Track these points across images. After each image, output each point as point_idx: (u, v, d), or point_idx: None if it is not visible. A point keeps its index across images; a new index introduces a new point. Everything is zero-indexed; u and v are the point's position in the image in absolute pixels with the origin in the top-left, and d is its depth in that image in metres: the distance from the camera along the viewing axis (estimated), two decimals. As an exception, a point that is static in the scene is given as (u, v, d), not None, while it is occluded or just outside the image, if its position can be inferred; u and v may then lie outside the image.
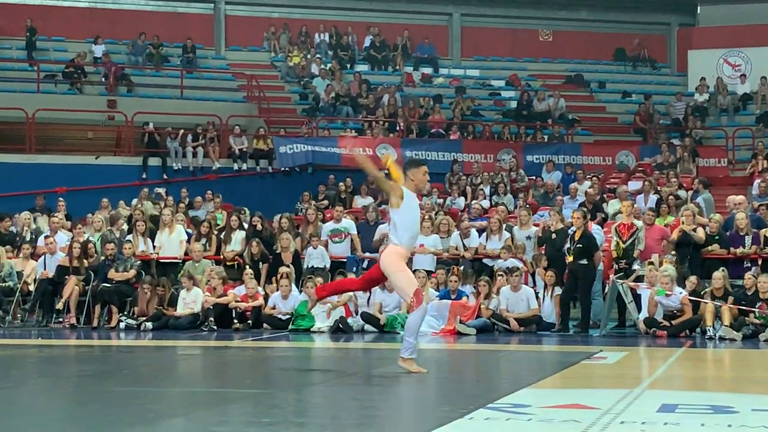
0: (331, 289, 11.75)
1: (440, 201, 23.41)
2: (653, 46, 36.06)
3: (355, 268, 19.04)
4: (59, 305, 18.47)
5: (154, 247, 19.49)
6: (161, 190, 23.90)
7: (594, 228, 18.41)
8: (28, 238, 20.04)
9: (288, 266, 18.46)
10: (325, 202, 23.60)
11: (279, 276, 17.99)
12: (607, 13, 35.63)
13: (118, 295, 18.38)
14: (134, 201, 22.64)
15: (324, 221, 20.31)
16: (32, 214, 21.17)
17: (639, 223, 17.81)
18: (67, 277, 18.45)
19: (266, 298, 17.99)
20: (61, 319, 18.48)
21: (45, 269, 18.80)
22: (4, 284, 18.45)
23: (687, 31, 35.65)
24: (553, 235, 17.89)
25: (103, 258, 18.88)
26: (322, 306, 17.35)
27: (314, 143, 27.14)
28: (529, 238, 18.84)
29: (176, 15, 33.34)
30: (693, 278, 16.68)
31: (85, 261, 18.66)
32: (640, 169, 26.28)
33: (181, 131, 26.91)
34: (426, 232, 19.14)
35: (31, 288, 18.79)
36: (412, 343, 10.27)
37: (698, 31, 35.40)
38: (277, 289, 17.93)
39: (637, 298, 17.01)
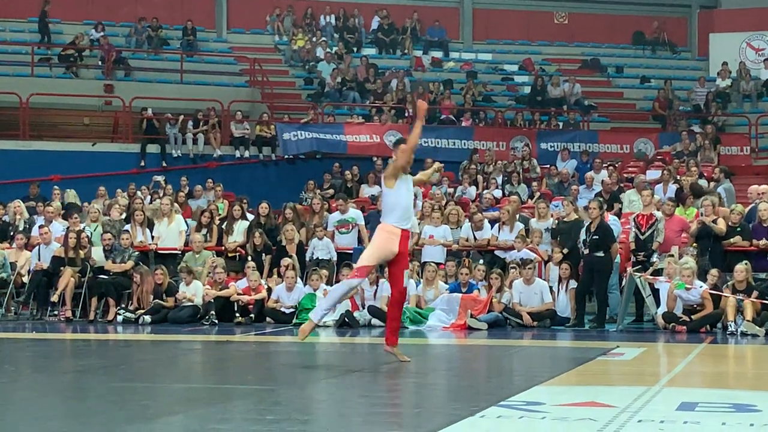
0: (394, 329, 11.26)
1: (451, 190, 23.39)
2: (673, 30, 35.96)
3: (361, 260, 19.02)
4: (54, 298, 18.47)
5: (152, 237, 19.51)
6: (160, 179, 23.90)
7: (611, 219, 18.38)
8: (21, 228, 20.06)
9: (292, 258, 18.46)
10: (331, 191, 23.59)
11: (283, 268, 18.00)
12: (626, -6, 35.58)
13: (116, 288, 18.40)
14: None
15: (330, 211, 20.30)
16: (27, 203, 21.23)
17: (658, 214, 17.77)
18: (62, 268, 18.46)
19: (269, 290, 17.99)
20: (56, 312, 18.50)
21: (39, 260, 18.82)
22: (-3, 276, 18.53)
23: (708, 14, 35.57)
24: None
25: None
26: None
27: (319, 130, 27.14)
28: (547, 230, 18.79)
29: (176, -4, 33.33)
30: (714, 271, 16.58)
31: (80, 252, 18.68)
32: (659, 157, 26.23)
33: (181, 117, 26.92)
34: (436, 222, 19.18)
35: (25, 280, 18.83)
36: (323, 309, 10.82)
37: (720, 13, 35.31)
38: (281, 282, 17.94)
39: (655, 292, 16.99)
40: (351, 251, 19.43)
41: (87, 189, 22.57)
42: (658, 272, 17.03)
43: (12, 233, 19.83)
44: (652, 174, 23.38)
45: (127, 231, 19.17)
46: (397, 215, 10.77)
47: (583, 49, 34.86)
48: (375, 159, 25.46)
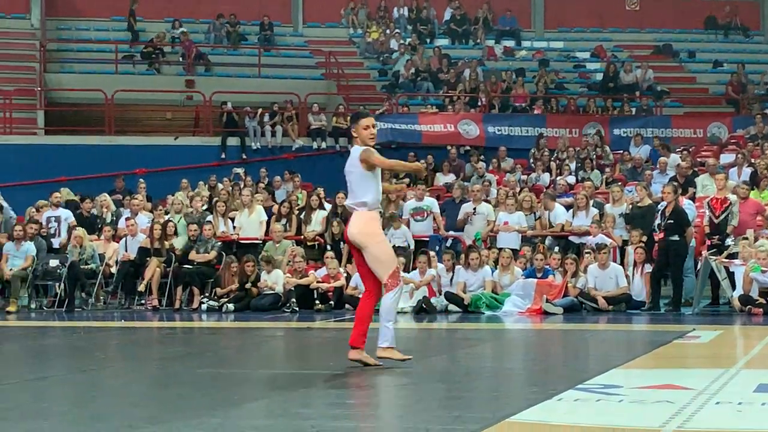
0: (362, 332, 9.43)
1: (524, 177, 23.27)
2: (745, 14, 35.41)
3: (437, 247, 19.02)
4: (141, 287, 18.73)
5: (234, 227, 19.67)
6: (240, 170, 24.07)
7: (685, 203, 18.16)
8: (108, 220, 20.35)
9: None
10: (406, 180, 23.56)
11: (360, 256, 18.01)
12: (697, -21, 35.08)
13: (200, 277, 18.58)
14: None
15: (405, 200, 20.30)
16: (113, 196, 21.52)
17: (733, 198, 17.54)
18: (148, 258, 18.70)
19: (348, 278, 18.04)
20: (143, 302, 18.75)
21: (126, 251, 19.07)
22: (86, 267, 18.74)
23: (781, -2, 35.01)
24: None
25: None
26: (404, 286, 17.42)
27: (394, 120, 27.13)
28: (621, 215, 18.63)
29: (253, -8, 33.51)
30: (790, 253, 16.37)
31: (165, 242, 18.90)
32: (732, 141, 25.87)
33: (260, 110, 27.10)
34: (510, 209, 19.11)
35: (113, 270, 19.08)
36: (390, 329, 9.25)
37: (793, -4, 34.72)
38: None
39: (730, 275, 16.78)
40: (427, 238, 19.44)
41: (170, 181, 22.81)
42: (733, 255, 16.82)
43: (100, 226, 20.13)
44: (726, 158, 23.06)
45: (210, 222, 19.35)
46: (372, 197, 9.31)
47: (654, 34, 34.46)
48: (449, 148, 25.43)
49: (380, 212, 9.52)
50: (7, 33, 31.00)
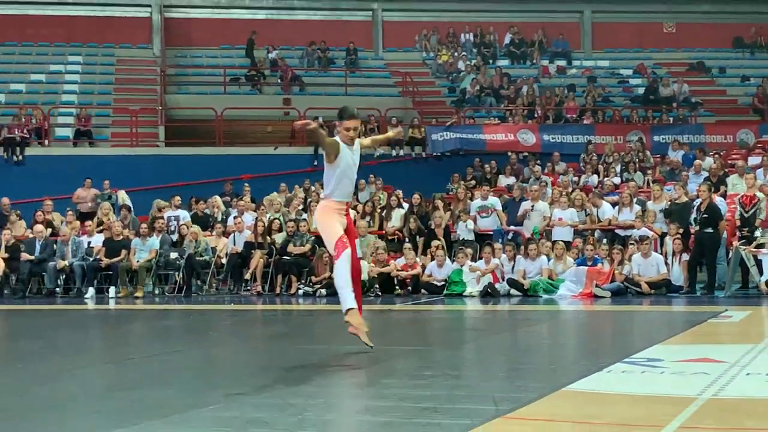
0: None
1: (575, 179, 23.10)
2: (769, 34, 34.84)
3: (500, 239, 18.98)
4: (247, 275, 18.93)
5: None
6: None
7: (718, 200, 17.93)
8: (219, 219, 20.59)
9: (441, 239, 18.50)
10: (473, 182, 23.53)
11: (434, 248, 18.05)
12: (726, 4, 34.48)
13: (297, 266, 18.73)
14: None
15: (472, 199, 20.27)
16: (223, 198, 21.76)
17: (760, 195, 17.28)
18: (252, 251, 18.89)
19: (423, 267, 18.07)
20: (248, 288, 18.93)
21: (234, 245, 19.28)
22: (201, 258, 18.97)
23: (800, 19, 34.37)
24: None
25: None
26: (472, 273, 17.43)
27: (462, 131, 27.09)
28: (661, 211, 18.46)
29: (340, 22, 33.65)
30: (812, 243, 16.09)
31: (267, 237, 19.06)
32: (759, 145, 25.43)
33: (346, 123, 27.12)
34: (563, 206, 19.02)
35: (224, 261, 19.30)
36: (346, 293, 8.42)
37: (811, 18, 34.03)
38: (432, 259, 17.99)
39: (758, 263, 16.53)
40: (491, 232, 19.40)
41: (270, 185, 22.97)
42: (761, 245, 16.58)
43: (212, 223, 20.36)
44: (754, 160, 22.67)
45: (305, 219, 19.48)
46: (331, 189, 8.82)
47: (689, 53, 33.98)
48: (510, 154, 25.34)
49: (346, 202, 8.86)
50: (133, 61, 31.50)
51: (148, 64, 31.48)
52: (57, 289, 19.11)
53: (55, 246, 19.51)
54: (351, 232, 8.80)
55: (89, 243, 19.48)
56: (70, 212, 20.79)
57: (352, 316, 8.44)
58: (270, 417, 5.73)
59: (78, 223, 20.23)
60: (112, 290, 18.62)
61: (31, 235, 19.59)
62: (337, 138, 9.02)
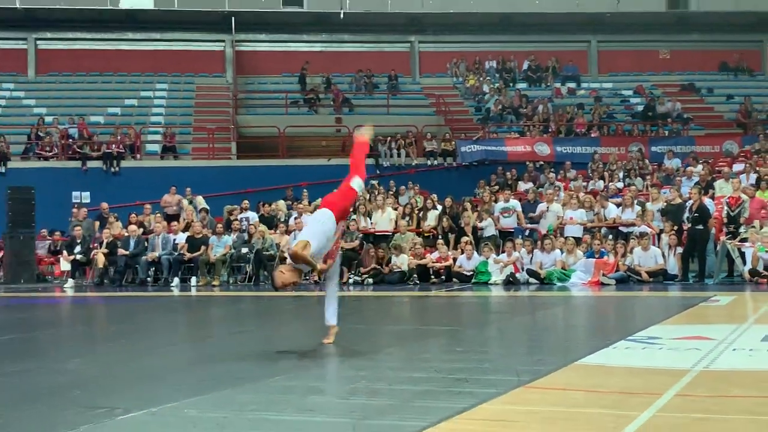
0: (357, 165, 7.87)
1: (584, 184, 22.93)
2: (750, 59, 34.30)
3: (520, 236, 18.88)
4: (306, 267, 18.91)
5: (371, 223, 19.79)
6: (375, 182, 24.17)
7: (707, 201, 17.72)
8: (282, 219, 20.67)
9: (469, 236, 18.46)
10: (496, 187, 23.42)
11: (464, 243, 18.01)
12: (713, 34, 34.07)
13: (347, 259, 18.72)
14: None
15: (496, 201, 20.19)
16: (285, 202, 21.84)
17: (744, 197, 17.07)
18: (310, 246, 18.89)
19: (454, 259, 18.03)
20: (307, 278, 18.73)
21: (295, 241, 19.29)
22: (267, 252, 19.04)
23: (777, 46, 33.91)
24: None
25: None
26: (496, 265, 17.37)
27: (487, 144, 26.98)
28: (658, 210, 18.28)
29: (383, 53, 33.64)
30: (788, 238, 15.84)
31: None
32: (742, 154, 25.07)
33: (389, 138, 27.19)
34: (574, 207, 18.90)
35: (286, 255, 19.26)
36: (334, 310, 7.79)
37: (787, 45, 33.50)
38: (462, 253, 17.96)
39: (742, 255, 16.34)
40: (512, 230, 19.30)
41: (325, 191, 22.83)
42: (744, 240, 16.39)
43: (276, 223, 20.45)
44: (738, 167, 22.37)
45: (354, 219, 19.51)
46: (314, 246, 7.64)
47: (681, 76, 33.59)
48: (528, 163, 25.20)
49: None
50: (209, 87, 31.73)
51: (222, 90, 31.70)
52: (148, 278, 19.31)
53: (146, 242, 19.72)
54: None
55: (174, 240, 19.66)
56: (158, 214, 21.02)
57: (333, 330, 7.62)
58: (326, 386, 5.77)
59: (165, 223, 20.43)
60: (193, 280, 18.77)
61: (126, 234, 19.82)
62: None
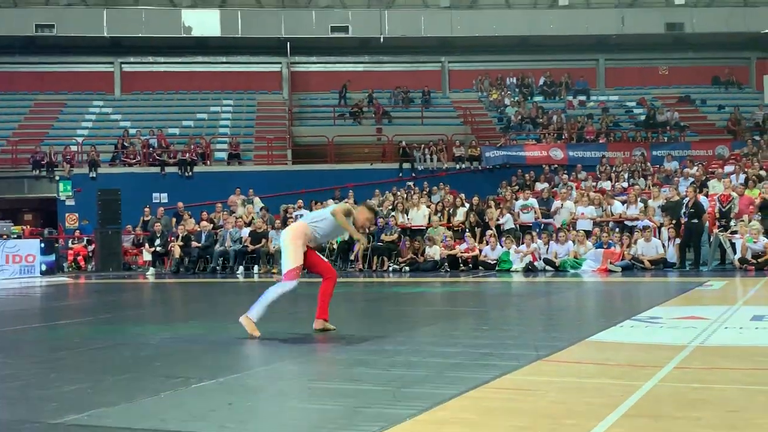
0: (323, 308, 7.59)
1: (593, 184, 22.70)
2: (739, 74, 33.79)
3: (537, 230, 18.76)
4: (352, 257, 19.03)
5: (408, 219, 19.79)
6: (410, 183, 24.18)
7: (701, 198, 17.47)
8: (331, 216, 20.67)
9: (493, 229, 18.37)
10: (516, 187, 23.29)
11: (488, 236, 17.93)
12: (706, 52, 33.60)
13: (387, 250, 18.77)
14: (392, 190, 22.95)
15: (516, 199, 20.07)
16: (334, 201, 21.87)
17: (734, 194, 16.80)
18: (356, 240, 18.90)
19: (480, 250, 17.97)
20: (353, 266, 19.02)
21: (343, 235, 19.34)
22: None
23: (763, 62, 33.31)
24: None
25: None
26: (516, 255, 17.27)
27: (508, 150, 26.84)
28: (659, 207, 18.07)
29: (417, 72, 33.61)
30: (774, 230, 15.56)
31: (368, 229, 19.06)
32: (732, 157, 24.68)
33: (423, 145, 27.16)
34: (584, 204, 18.71)
35: (335, 247, 19.42)
36: (260, 310, 7.07)
37: (772, 61, 32.89)
38: (487, 244, 17.89)
39: (733, 245, 16.08)
40: (530, 224, 19.19)
41: (367, 192, 23.08)
42: (734, 232, 16.13)
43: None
44: (728, 168, 22.02)
45: (393, 216, 19.52)
46: (321, 229, 7.33)
47: (679, 89, 33.17)
48: (544, 166, 25.04)
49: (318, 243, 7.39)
50: (269, 103, 31.95)
51: (279, 105, 31.89)
52: (217, 267, 19.50)
53: (216, 236, 19.90)
54: (314, 257, 7.40)
55: (240, 234, 19.83)
56: (226, 212, 21.21)
57: (247, 322, 7.09)
58: (369, 359, 5.78)
59: (233, 219, 20.61)
60: (255, 268, 18.92)
61: (198, 229, 20.03)
62: (354, 212, 7.39)
